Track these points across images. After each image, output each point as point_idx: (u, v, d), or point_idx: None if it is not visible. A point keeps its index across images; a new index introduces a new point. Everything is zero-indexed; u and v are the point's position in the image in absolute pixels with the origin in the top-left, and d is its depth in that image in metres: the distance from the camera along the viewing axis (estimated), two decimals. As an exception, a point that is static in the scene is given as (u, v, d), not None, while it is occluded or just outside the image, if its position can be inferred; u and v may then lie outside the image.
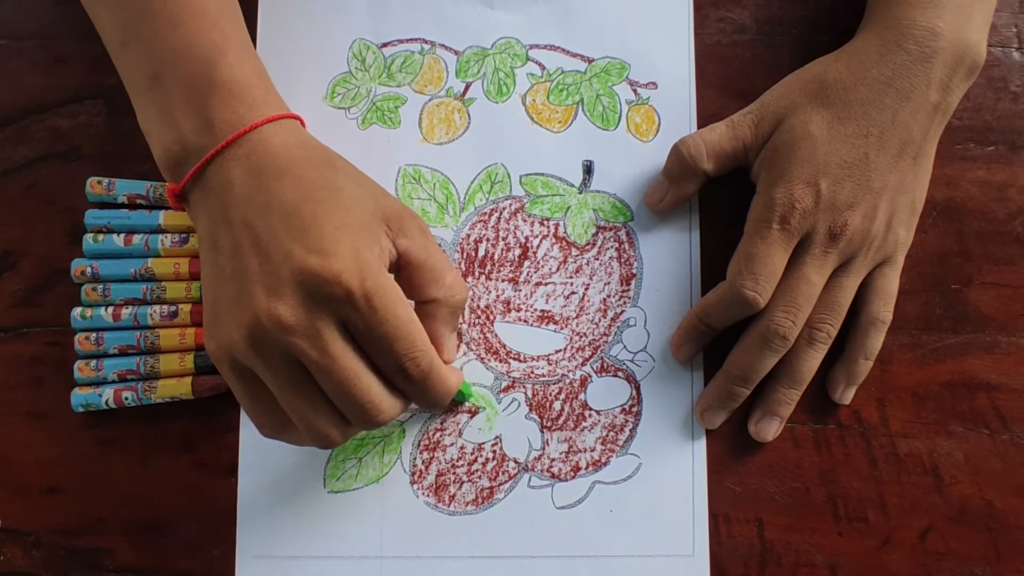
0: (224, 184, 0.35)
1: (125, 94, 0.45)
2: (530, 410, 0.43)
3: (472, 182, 0.45)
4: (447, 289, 0.38)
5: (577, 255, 0.44)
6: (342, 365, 0.34)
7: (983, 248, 0.45)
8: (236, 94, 0.36)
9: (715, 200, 0.45)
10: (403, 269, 0.37)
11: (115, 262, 0.43)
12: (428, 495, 0.43)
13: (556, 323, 0.44)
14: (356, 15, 0.46)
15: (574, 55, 0.46)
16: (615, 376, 0.44)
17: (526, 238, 0.44)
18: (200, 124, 0.36)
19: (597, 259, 0.44)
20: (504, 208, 0.45)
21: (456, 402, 0.43)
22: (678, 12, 0.46)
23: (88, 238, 0.43)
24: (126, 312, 0.43)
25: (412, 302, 0.37)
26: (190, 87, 0.36)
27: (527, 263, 0.44)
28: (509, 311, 0.44)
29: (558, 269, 0.44)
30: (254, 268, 0.34)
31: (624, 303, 0.44)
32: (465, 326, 0.44)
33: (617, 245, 0.44)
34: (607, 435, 0.43)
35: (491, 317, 0.44)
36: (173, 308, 0.43)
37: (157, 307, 0.43)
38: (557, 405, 0.43)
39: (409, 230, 0.37)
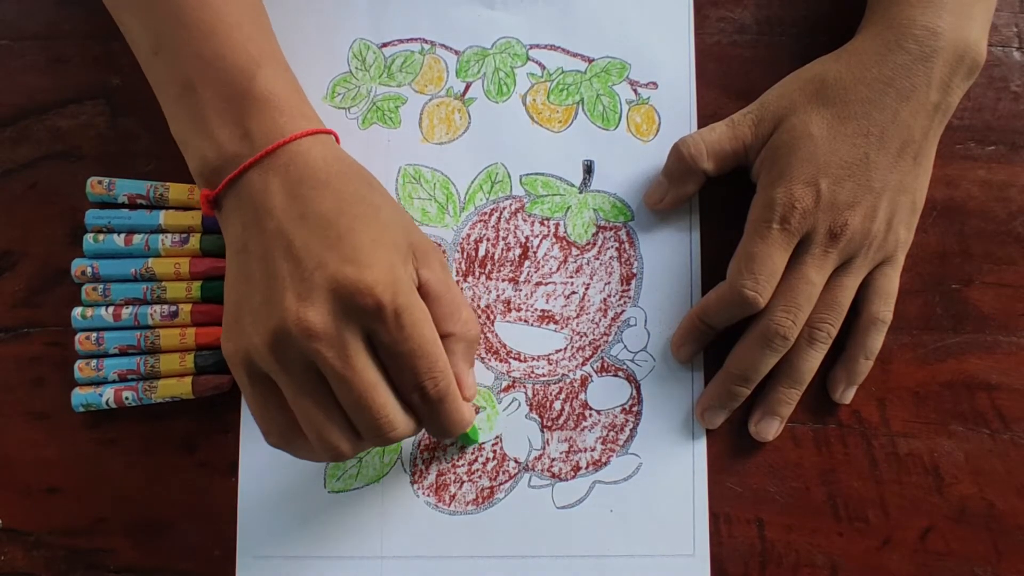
0: (261, 192, 0.35)
1: (126, 94, 0.45)
2: (530, 410, 0.43)
3: (472, 182, 0.45)
4: (463, 324, 0.38)
5: (577, 255, 0.44)
6: (363, 377, 0.34)
7: (983, 248, 0.45)
8: (274, 105, 0.36)
9: (715, 200, 0.45)
10: (423, 300, 0.37)
11: (115, 262, 0.43)
12: (428, 495, 0.43)
13: (556, 323, 0.44)
14: (356, 15, 0.46)
15: (574, 55, 0.46)
16: (615, 376, 0.44)
17: (526, 238, 0.44)
18: (237, 133, 0.36)
19: (597, 259, 0.44)
20: (504, 208, 0.45)
21: (462, 443, 0.43)
22: (678, 12, 0.46)
23: (88, 238, 0.43)
24: (126, 312, 0.43)
25: None
26: (226, 97, 0.36)
27: (527, 263, 0.44)
28: (509, 311, 0.44)
29: (558, 269, 0.44)
30: (284, 274, 0.34)
31: (624, 303, 0.44)
32: None
33: (617, 245, 0.44)
34: (607, 435, 0.43)
35: (491, 317, 0.44)
36: (173, 308, 0.43)
37: (157, 307, 0.43)
38: (557, 405, 0.43)
39: (432, 263, 0.37)
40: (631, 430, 0.43)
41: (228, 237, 0.37)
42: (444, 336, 0.38)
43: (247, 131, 0.36)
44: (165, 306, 0.43)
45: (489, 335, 0.44)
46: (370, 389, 0.34)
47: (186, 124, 0.37)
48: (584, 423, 0.43)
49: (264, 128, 0.36)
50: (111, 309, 0.43)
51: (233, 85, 0.36)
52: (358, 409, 0.34)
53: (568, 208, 0.45)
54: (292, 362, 0.34)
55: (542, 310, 0.44)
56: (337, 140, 0.39)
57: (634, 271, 0.44)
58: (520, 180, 0.45)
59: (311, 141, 0.36)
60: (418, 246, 0.37)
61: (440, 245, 0.44)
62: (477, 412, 0.43)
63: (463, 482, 0.43)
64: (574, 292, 0.44)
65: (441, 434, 0.38)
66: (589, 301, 0.44)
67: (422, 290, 0.37)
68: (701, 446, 0.43)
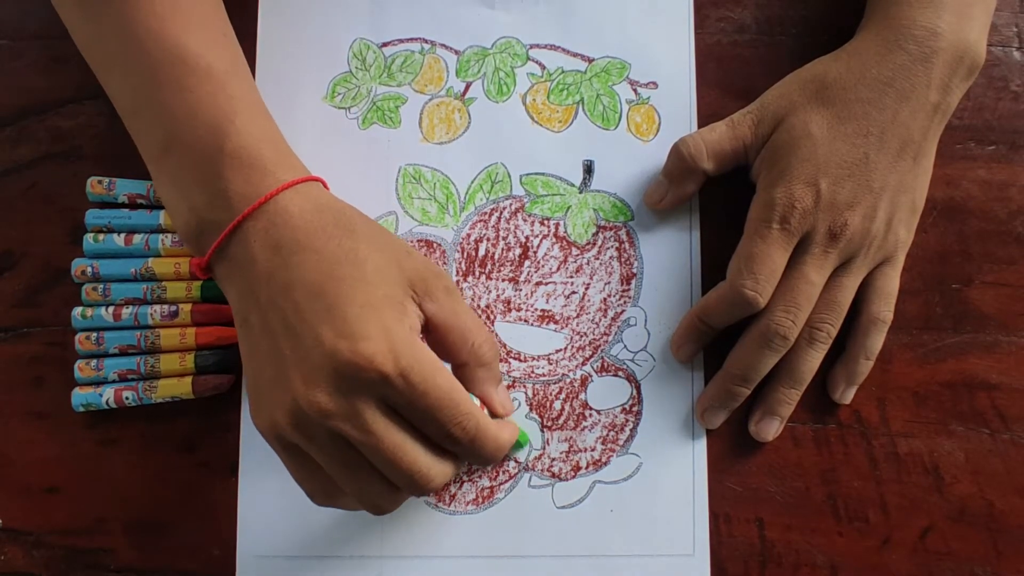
0: (246, 261, 0.35)
1: (125, 94, 0.45)
2: (530, 410, 0.43)
3: (472, 182, 0.45)
4: (476, 350, 0.37)
5: (577, 255, 0.44)
6: (386, 441, 0.34)
7: (983, 248, 0.45)
8: (248, 162, 0.35)
9: (715, 200, 0.45)
10: (432, 332, 0.37)
11: (115, 262, 0.43)
12: (428, 495, 0.43)
13: (556, 323, 0.44)
14: (356, 15, 0.46)
15: (574, 55, 0.46)
16: (615, 376, 0.44)
17: (526, 238, 0.44)
18: (213, 197, 0.35)
19: (597, 259, 0.44)
20: (504, 208, 0.45)
21: (513, 450, 0.43)
22: (678, 12, 0.46)
23: (88, 238, 0.43)
24: (126, 312, 0.43)
25: (448, 365, 0.37)
26: (200, 157, 0.35)
27: (527, 263, 0.44)
28: (509, 311, 0.44)
29: (558, 269, 0.44)
30: (287, 352, 0.34)
31: (624, 303, 0.44)
32: None
33: (617, 245, 0.44)
34: (607, 435, 0.43)
35: (491, 317, 0.44)
36: (173, 308, 0.43)
37: (157, 307, 0.43)
38: (557, 405, 0.43)
39: (435, 292, 0.36)
40: (631, 430, 0.43)
41: (230, 302, 0.37)
42: (460, 366, 0.38)
43: (223, 194, 0.35)
44: (165, 306, 0.43)
45: (489, 335, 0.44)
46: (397, 450, 0.34)
47: (167, 187, 0.37)
48: (584, 423, 0.43)
49: (239, 189, 0.35)
50: (111, 309, 0.43)
51: (206, 144, 0.35)
52: (390, 469, 0.34)
53: (568, 208, 0.45)
54: (316, 436, 0.34)
55: (542, 310, 0.44)
56: (325, 186, 0.38)
57: (634, 271, 0.44)
58: (520, 180, 0.45)
59: (289, 195, 0.35)
60: (416, 281, 0.36)
61: (440, 246, 0.44)
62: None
63: (463, 482, 0.43)
64: (574, 292, 0.44)
65: (484, 464, 0.38)
66: (589, 301, 0.44)
67: (429, 324, 0.36)
68: (701, 446, 0.43)
